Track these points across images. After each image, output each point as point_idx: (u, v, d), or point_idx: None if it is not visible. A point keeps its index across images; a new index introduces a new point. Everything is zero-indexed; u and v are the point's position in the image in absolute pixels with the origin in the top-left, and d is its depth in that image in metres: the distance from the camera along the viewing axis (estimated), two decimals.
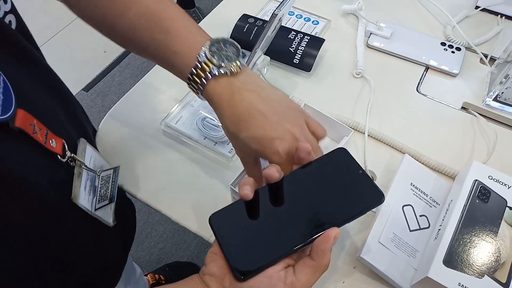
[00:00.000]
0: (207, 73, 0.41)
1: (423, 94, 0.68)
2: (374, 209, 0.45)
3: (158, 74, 0.70)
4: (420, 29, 0.76)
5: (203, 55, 0.41)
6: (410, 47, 0.73)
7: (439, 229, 0.49)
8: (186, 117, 0.62)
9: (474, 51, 0.73)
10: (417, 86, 0.69)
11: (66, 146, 0.40)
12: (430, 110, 0.66)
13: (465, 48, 0.73)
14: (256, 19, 0.73)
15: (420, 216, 0.52)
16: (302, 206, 0.38)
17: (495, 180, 0.51)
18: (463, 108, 0.67)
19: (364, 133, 0.61)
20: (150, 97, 0.67)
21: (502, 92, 0.64)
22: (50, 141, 0.38)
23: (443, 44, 0.73)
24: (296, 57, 0.68)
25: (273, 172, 0.37)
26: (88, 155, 0.45)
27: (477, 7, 0.80)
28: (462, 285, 0.43)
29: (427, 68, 0.72)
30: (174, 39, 0.43)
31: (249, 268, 0.35)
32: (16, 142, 0.34)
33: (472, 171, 0.51)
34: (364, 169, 0.39)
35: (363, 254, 0.48)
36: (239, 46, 0.44)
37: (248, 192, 0.37)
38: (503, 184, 0.50)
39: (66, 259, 0.42)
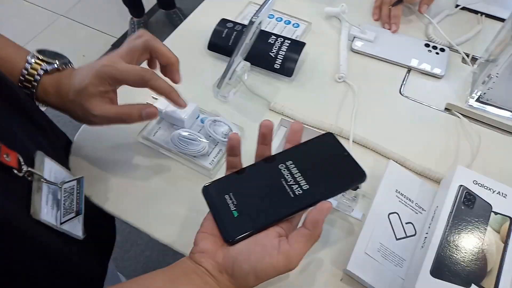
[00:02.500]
0: (40, 69, 0.49)
1: (406, 96, 0.67)
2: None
3: None
4: (402, 30, 0.76)
5: (32, 56, 0.49)
6: (395, 50, 0.72)
7: (426, 237, 0.48)
8: (164, 129, 0.60)
9: (456, 51, 0.73)
10: (400, 88, 0.68)
11: (21, 160, 0.39)
12: (413, 112, 0.65)
13: (448, 48, 0.72)
14: (235, 23, 0.71)
15: (406, 223, 0.51)
16: (291, 181, 0.41)
17: (479, 185, 0.50)
18: (446, 109, 0.66)
19: (348, 139, 0.60)
20: None
21: (485, 93, 0.63)
22: (4, 155, 0.36)
23: (427, 45, 0.73)
24: (277, 62, 0.67)
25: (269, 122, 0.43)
26: (47, 168, 0.43)
27: (457, 6, 0.80)
28: None
29: (409, 70, 0.71)
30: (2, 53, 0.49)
31: (239, 232, 0.38)
32: None
33: (457, 176, 0.50)
34: (349, 154, 0.44)
35: (349, 266, 0.47)
36: (62, 54, 0.52)
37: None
38: (488, 188, 0.50)
39: (36, 276, 0.40)
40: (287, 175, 0.42)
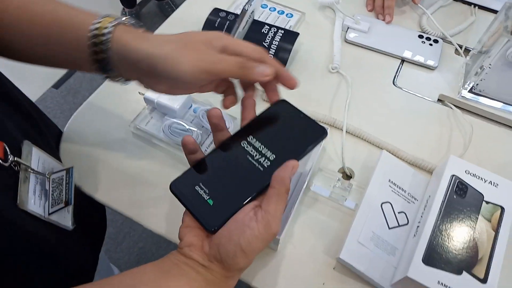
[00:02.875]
0: (112, 21, 0.40)
1: (399, 87, 0.67)
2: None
3: None
4: (395, 21, 0.76)
5: (101, 17, 0.41)
6: (389, 41, 0.72)
7: (418, 226, 0.48)
8: (157, 119, 0.59)
9: (449, 42, 0.73)
10: (393, 79, 0.68)
11: (7, 150, 0.38)
12: (406, 103, 0.66)
13: (442, 39, 0.72)
14: (228, 13, 0.70)
15: (399, 213, 0.51)
16: (257, 156, 0.41)
17: (471, 174, 0.50)
18: (439, 100, 0.67)
19: (341, 129, 0.60)
20: (118, 97, 0.64)
21: (477, 84, 0.64)
22: None
23: (420, 36, 0.73)
24: (270, 52, 0.66)
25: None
26: (35, 158, 0.43)
27: None
28: (441, 283, 0.43)
29: (403, 61, 0.71)
30: (67, 11, 0.42)
31: (220, 219, 0.37)
32: None
33: (449, 166, 0.51)
34: (306, 114, 0.44)
35: (342, 255, 0.47)
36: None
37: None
38: (480, 178, 0.50)
39: (24, 267, 0.40)
40: (251, 151, 0.41)
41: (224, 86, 0.45)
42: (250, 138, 0.42)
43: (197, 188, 0.40)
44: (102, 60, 0.41)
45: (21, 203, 0.39)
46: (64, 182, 0.47)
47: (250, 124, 0.43)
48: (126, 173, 0.56)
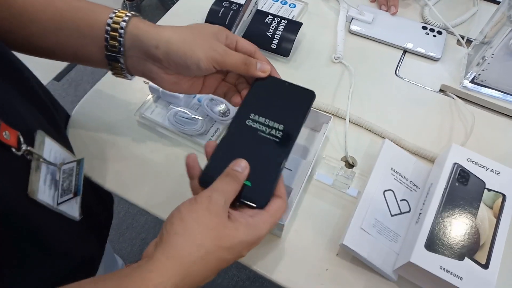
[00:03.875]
0: (127, 13, 0.43)
1: (401, 78, 0.68)
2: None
3: None
4: (398, 12, 0.76)
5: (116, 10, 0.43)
6: (392, 32, 0.72)
7: (420, 213, 0.49)
8: (162, 107, 0.59)
9: (452, 33, 0.73)
10: (396, 70, 0.69)
11: (21, 139, 0.38)
12: (408, 93, 0.66)
13: (445, 31, 0.73)
14: (231, 2, 0.70)
15: (401, 200, 0.52)
16: (266, 129, 0.43)
17: (473, 162, 0.51)
18: (441, 90, 0.67)
19: (344, 119, 0.60)
20: (123, 87, 0.64)
21: (479, 74, 0.64)
22: (4, 133, 0.36)
23: (424, 28, 0.73)
24: (273, 42, 0.67)
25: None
26: (47, 148, 0.43)
27: None
28: (444, 268, 0.43)
29: (405, 51, 0.71)
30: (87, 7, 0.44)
31: (268, 193, 0.40)
32: None
33: (452, 154, 0.51)
34: (290, 82, 0.47)
35: (345, 241, 0.47)
36: None
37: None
38: (482, 166, 0.51)
39: (30, 257, 0.40)
40: (260, 126, 0.44)
41: (225, 87, 0.48)
42: (252, 115, 0.44)
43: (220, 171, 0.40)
44: (114, 47, 0.42)
45: (31, 192, 0.39)
46: (74, 173, 0.47)
47: (245, 103, 0.45)
48: (132, 161, 0.57)
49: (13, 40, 0.44)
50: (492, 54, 0.61)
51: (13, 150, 0.37)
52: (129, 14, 0.43)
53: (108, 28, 0.42)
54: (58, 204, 0.43)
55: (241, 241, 0.36)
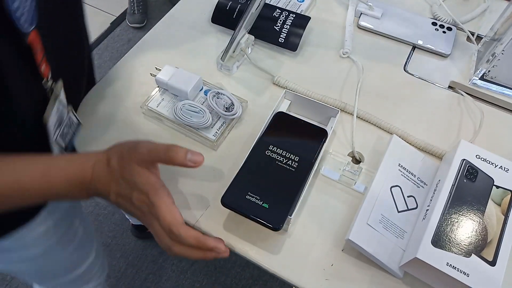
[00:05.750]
0: None
1: (410, 74, 0.67)
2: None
3: (137, 55, 0.67)
4: (406, 7, 0.75)
5: None
6: (401, 27, 0.72)
7: (427, 210, 0.49)
8: (168, 100, 0.59)
9: (461, 29, 0.72)
10: (404, 66, 0.68)
11: (50, 75, 0.45)
12: (417, 89, 0.65)
13: (455, 27, 0.72)
14: None
15: (408, 196, 0.52)
16: (284, 160, 0.49)
17: (482, 159, 0.50)
18: (450, 87, 0.66)
19: (352, 114, 0.60)
20: (129, 80, 0.64)
21: (489, 71, 0.63)
22: (43, 66, 0.43)
23: (434, 24, 0.72)
24: (281, 36, 0.66)
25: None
26: (62, 95, 0.49)
27: None
28: (450, 264, 0.43)
29: (414, 47, 0.71)
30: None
31: (283, 216, 0.46)
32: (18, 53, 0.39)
33: (460, 150, 0.51)
34: (304, 120, 0.54)
35: (351, 236, 0.47)
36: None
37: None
38: (490, 163, 0.50)
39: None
40: (278, 157, 0.49)
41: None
42: (271, 147, 0.50)
43: (247, 197, 0.46)
44: None
45: (46, 117, 0.45)
46: (72, 129, 0.53)
47: (264, 137, 0.51)
48: None
49: None
50: (503, 50, 0.60)
51: (44, 79, 0.44)
52: None
53: None
54: (55, 140, 0.50)
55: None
